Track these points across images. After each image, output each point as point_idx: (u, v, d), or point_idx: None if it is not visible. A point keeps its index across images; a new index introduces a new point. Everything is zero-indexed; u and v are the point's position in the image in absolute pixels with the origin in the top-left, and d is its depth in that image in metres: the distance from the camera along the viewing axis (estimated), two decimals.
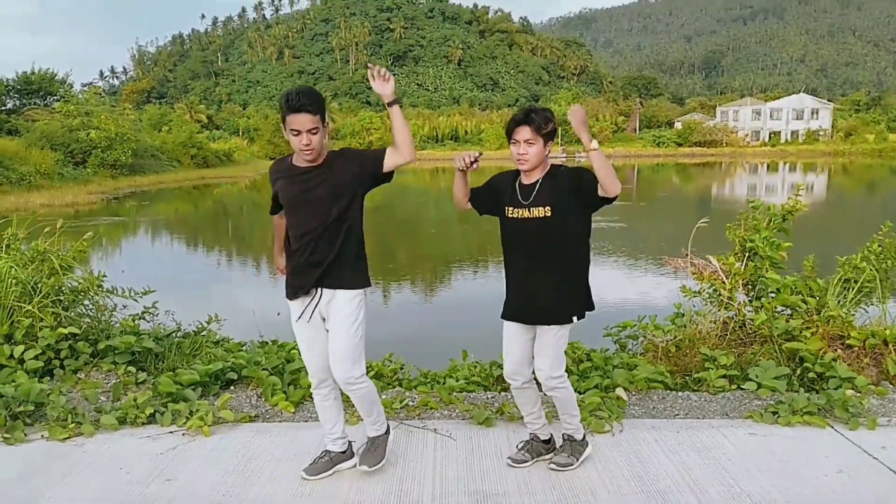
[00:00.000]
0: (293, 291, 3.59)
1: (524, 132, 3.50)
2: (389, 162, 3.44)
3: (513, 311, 3.70)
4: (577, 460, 3.81)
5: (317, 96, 3.35)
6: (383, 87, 3.37)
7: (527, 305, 3.65)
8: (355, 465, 3.77)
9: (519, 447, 3.95)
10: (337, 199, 3.45)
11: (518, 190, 3.63)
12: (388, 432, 3.82)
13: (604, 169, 3.32)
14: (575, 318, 3.60)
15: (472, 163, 3.62)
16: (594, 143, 3.34)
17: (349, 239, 3.51)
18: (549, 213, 3.50)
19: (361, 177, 3.48)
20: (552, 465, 3.80)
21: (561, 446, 3.89)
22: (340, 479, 3.69)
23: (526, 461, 3.85)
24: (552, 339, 3.60)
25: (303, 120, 3.30)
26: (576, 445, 3.85)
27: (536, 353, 3.65)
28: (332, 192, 3.44)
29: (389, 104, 3.38)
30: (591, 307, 3.72)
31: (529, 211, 3.54)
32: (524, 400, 3.85)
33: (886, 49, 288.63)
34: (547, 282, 3.57)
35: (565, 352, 5.07)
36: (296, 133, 3.33)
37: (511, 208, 3.62)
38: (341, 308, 3.49)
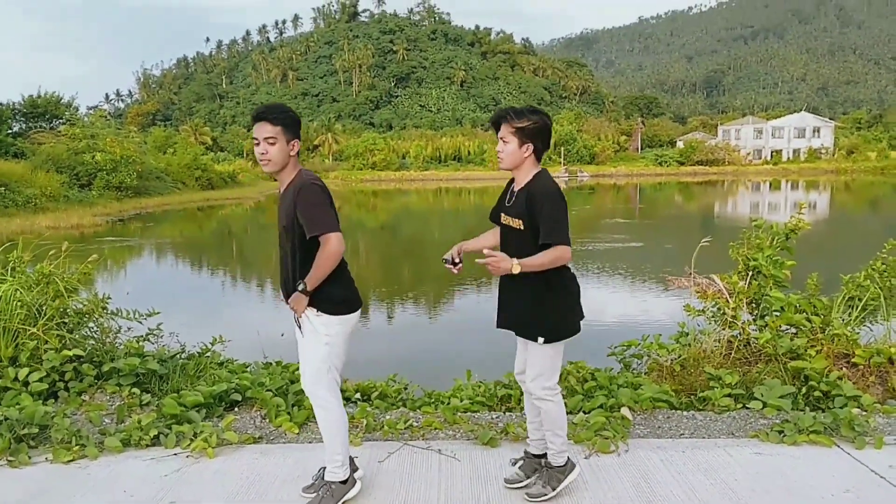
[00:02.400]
0: None
1: (500, 130, 3.45)
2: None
3: (497, 317, 3.68)
4: (553, 490, 3.63)
5: (283, 110, 3.36)
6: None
7: (501, 313, 3.64)
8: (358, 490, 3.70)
9: (513, 462, 3.91)
10: (289, 229, 3.43)
11: (508, 194, 3.59)
12: (347, 483, 3.61)
13: (538, 268, 3.28)
14: (541, 339, 3.45)
15: (454, 263, 3.67)
16: (516, 269, 3.21)
17: (306, 268, 3.40)
18: (521, 227, 3.43)
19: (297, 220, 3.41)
20: (526, 497, 3.67)
21: (539, 473, 3.74)
22: None
23: (520, 481, 3.78)
24: (536, 353, 3.51)
25: (261, 129, 3.33)
26: (554, 473, 3.67)
27: (527, 360, 3.59)
28: (286, 220, 3.44)
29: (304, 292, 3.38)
30: (571, 331, 3.54)
31: (510, 219, 3.50)
32: (527, 406, 3.83)
33: (887, 67, 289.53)
34: (515, 294, 3.51)
35: (568, 371, 5.05)
36: (256, 143, 3.37)
37: (502, 214, 3.59)
38: (307, 327, 3.50)
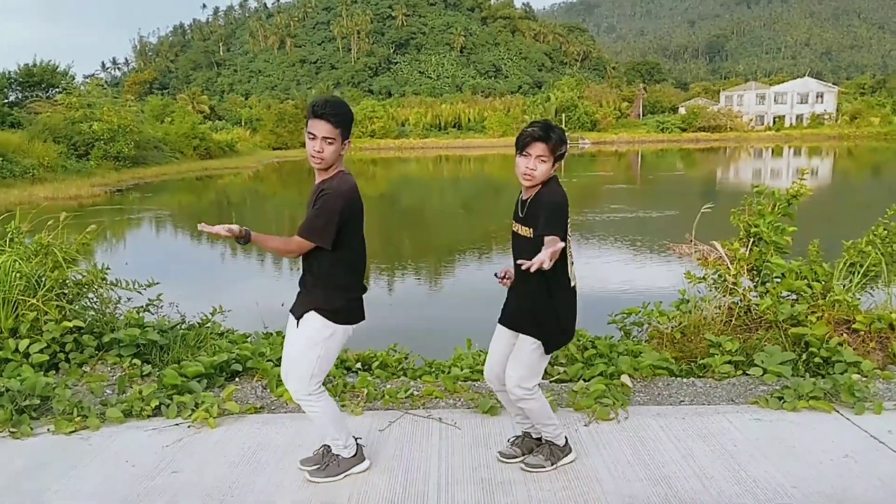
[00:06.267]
0: None
1: (538, 148, 3.34)
2: None
3: (502, 314, 3.68)
4: (552, 464, 3.70)
5: (343, 110, 3.32)
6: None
7: (509, 310, 3.63)
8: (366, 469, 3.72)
9: (510, 441, 3.92)
10: None
11: (518, 204, 3.55)
12: (355, 457, 3.68)
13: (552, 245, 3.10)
14: (539, 341, 3.48)
15: (504, 278, 3.67)
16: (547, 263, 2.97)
17: (315, 265, 3.41)
18: (531, 236, 3.40)
19: None
20: (522, 465, 3.72)
21: (540, 447, 3.78)
22: None
23: (515, 456, 3.81)
24: (526, 351, 3.50)
25: (320, 126, 3.28)
26: (555, 450, 3.73)
27: (509, 360, 3.56)
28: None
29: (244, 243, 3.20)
30: (563, 342, 3.61)
31: (520, 228, 3.49)
32: (506, 402, 3.82)
33: (892, 32, 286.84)
34: (525, 296, 3.50)
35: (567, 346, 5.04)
36: (311, 137, 3.32)
37: (514, 222, 3.57)
38: (299, 327, 3.47)
